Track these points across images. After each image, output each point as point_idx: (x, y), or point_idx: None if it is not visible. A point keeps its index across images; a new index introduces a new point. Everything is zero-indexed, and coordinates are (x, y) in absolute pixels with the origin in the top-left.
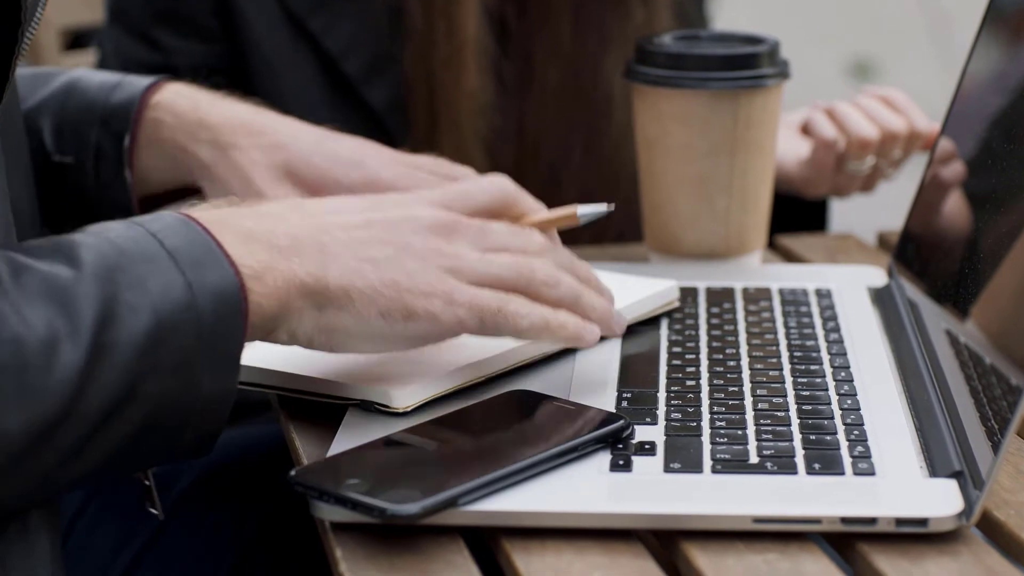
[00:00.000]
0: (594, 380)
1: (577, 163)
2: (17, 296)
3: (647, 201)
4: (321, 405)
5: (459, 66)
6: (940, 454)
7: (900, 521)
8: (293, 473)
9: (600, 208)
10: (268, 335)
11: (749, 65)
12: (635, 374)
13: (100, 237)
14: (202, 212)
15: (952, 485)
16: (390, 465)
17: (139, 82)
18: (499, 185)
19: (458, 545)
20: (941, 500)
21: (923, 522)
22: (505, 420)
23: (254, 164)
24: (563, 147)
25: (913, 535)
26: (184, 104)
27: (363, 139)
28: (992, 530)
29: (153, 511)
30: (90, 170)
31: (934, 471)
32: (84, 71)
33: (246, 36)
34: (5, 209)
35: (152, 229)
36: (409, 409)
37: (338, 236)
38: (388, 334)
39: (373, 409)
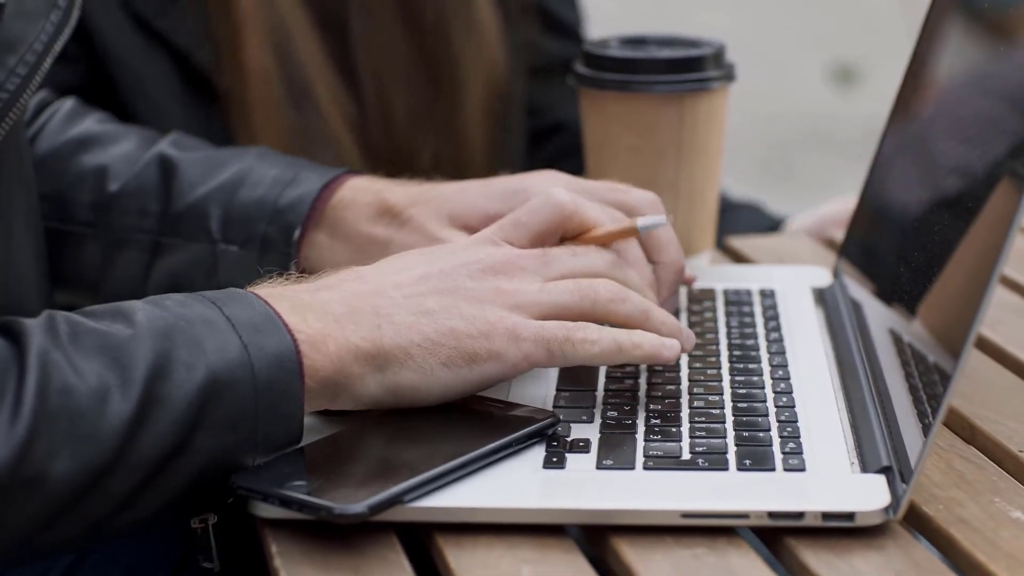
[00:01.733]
0: (534, 379)
1: (417, 79)
2: (72, 350)
3: None
4: None
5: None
6: (870, 450)
7: (827, 515)
8: (235, 476)
9: (660, 219)
10: (331, 401)
11: (694, 68)
12: (574, 373)
13: (159, 303)
14: (262, 288)
15: (880, 480)
16: (332, 464)
17: (316, 178)
18: (552, 204)
19: (391, 541)
20: (868, 495)
21: (850, 516)
22: (439, 418)
23: (426, 222)
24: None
25: (840, 529)
26: (365, 197)
27: (542, 171)
28: (921, 524)
29: (208, 565)
30: (254, 259)
31: (864, 467)
32: (257, 160)
33: (102, 48)
34: None
35: (213, 298)
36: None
37: (392, 296)
38: (456, 381)
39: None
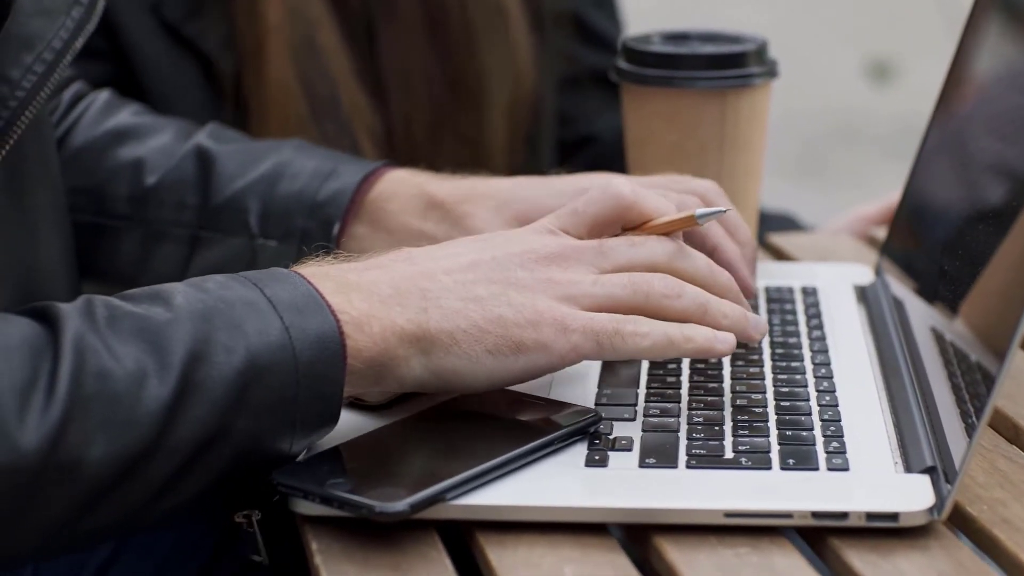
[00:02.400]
0: (574, 377)
1: (440, 92)
2: (110, 334)
3: None
4: None
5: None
6: (915, 450)
7: (871, 516)
8: (276, 473)
9: (720, 208)
10: (376, 383)
11: (737, 64)
12: (616, 371)
13: (199, 285)
14: (307, 267)
15: (924, 480)
16: (373, 462)
17: (355, 171)
18: (611, 194)
19: (432, 539)
20: (912, 495)
21: (894, 517)
22: (480, 416)
23: (487, 224)
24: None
25: (884, 530)
26: (408, 190)
27: (594, 172)
28: (965, 525)
29: (256, 558)
30: (293, 253)
31: (908, 467)
32: (295, 152)
33: (129, 48)
34: (12, 261)
35: (255, 279)
36: (383, 402)
37: (442, 281)
38: (501, 369)
39: (350, 405)
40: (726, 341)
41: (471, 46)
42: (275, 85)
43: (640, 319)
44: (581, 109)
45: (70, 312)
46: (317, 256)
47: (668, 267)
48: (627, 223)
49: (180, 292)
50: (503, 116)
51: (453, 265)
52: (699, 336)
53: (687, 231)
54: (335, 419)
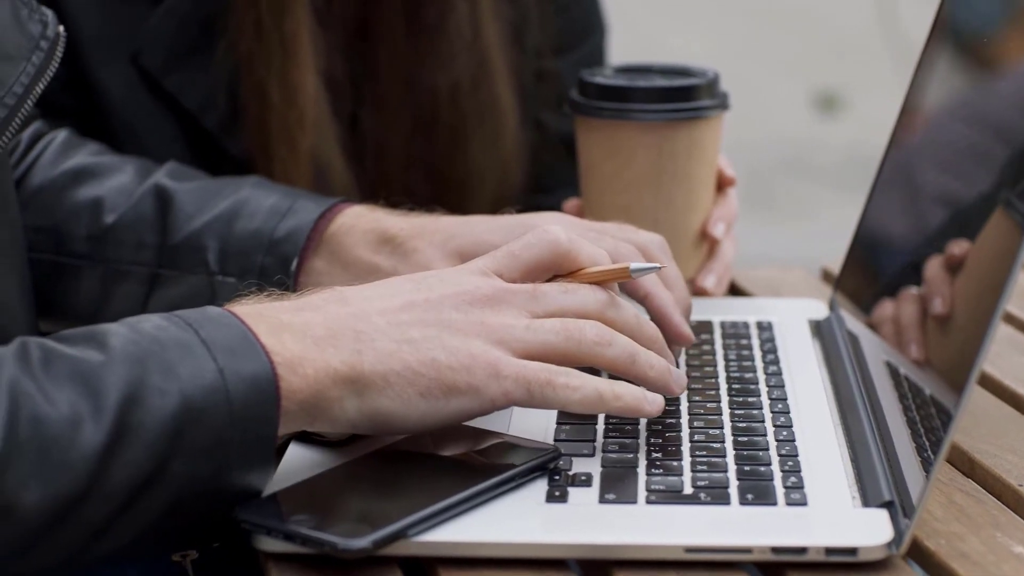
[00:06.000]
0: (534, 412)
1: (421, 179)
2: (44, 378)
3: None
4: None
5: (301, 122)
6: (872, 484)
7: (830, 551)
8: (239, 510)
9: (654, 265)
10: (310, 424)
11: (677, 98)
12: None
13: (134, 327)
14: (241, 306)
15: (883, 515)
16: (335, 498)
17: (312, 208)
18: (547, 241)
19: (395, 575)
20: (871, 529)
21: (853, 551)
22: (441, 452)
23: (431, 259)
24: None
25: (844, 564)
26: (364, 225)
27: (547, 212)
28: (923, 559)
29: None
30: (251, 289)
31: (866, 501)
32: (253, 190)
33: (105, 104)
34: None
35: (188, 319)
36: (345, 439)
37: (376, 322)
38: (433, 412)
39: (311, 440)
40: (655, 403)
41: (461, 143)
42: (287, 157)
43: (572, 372)
44: (557, 177)
45: (4, 356)
46: (251, 293)
47: (599, 316)
48: (560, 269)
49: (115, 334)
50: (487, 207)
51: (386, 306)
52: (628, 395)
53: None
54: (270, 460)
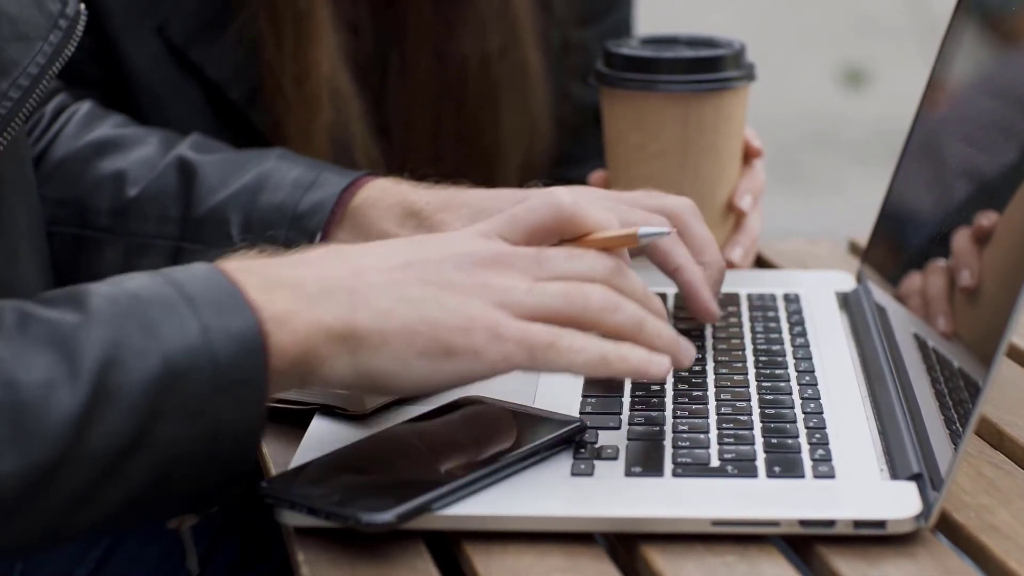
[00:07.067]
0: (559, 385)
1: (450, 148)
2: (19, 341)
3: None
4: (285, 412)
5: (315, 99)
6: (900, 457)
7: (858, 523)
8: (263, 484)
9: (662, 229)
10: (301, 381)
11: (704, 69)
12: (600, 379)
13: (117, 286)
14: (232, 262)
15: (911, 487)
16: (359, 473)
17: (336, 182)
18: (551, 204)
19: (419, 549)
20: (899, 502)
21: (881, 524)
22: (464, 426)
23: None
24: (433, 133)
25: (872, 537)
26: (389, 199)
27: (573, 186)
28: (952, 532)
29: (189, 568)
30: (244, 245)
31: (894, 474)
32: (277, 162)
33: (130, 75)
34: None
35: (174, 278)
36: (368, 412)
37: (372, 279)
38: (431, 374)
39: (334, 414)
40: (660, 364)
41: (491, 110)
42: (300, 134)
43: (576, 334)
44: (583, 150)
45: None
46: (242, 250)
47: (605, 282)
48: (566, 234)
49: (95, 293)
50: (516, 173)
51: (385, 264)
52: (633, 357)
53: (654, 248)
54: (260, 422)
